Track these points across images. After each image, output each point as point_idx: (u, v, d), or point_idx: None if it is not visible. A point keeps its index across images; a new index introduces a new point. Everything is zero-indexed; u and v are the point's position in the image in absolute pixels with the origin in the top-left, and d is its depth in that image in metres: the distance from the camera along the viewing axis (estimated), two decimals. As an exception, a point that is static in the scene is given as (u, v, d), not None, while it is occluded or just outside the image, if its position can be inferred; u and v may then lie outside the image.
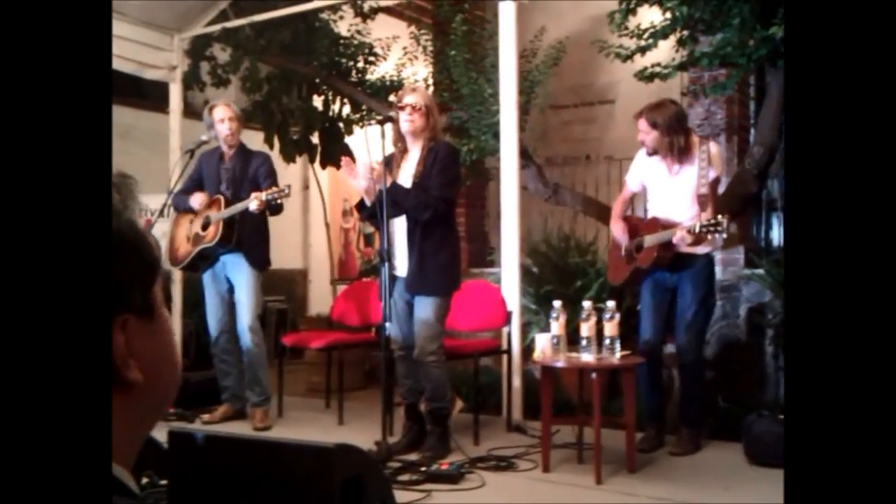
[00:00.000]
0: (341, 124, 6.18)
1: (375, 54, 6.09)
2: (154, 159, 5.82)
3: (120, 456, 0.62)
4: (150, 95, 6.53)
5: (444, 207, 3.61)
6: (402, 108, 3.66)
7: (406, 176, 3.67)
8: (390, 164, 3.69)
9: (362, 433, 3.86)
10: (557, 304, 3.44)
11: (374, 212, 3.57)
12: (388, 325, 3.57)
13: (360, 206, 3.73)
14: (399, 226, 3.64)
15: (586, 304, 3.36)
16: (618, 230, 3.88)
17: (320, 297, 7.40)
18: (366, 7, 6.06)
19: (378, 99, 5.87)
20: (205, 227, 4.27)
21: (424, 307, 3.59)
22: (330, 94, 6.16)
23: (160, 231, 4.83)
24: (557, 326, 3.38)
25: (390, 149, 3.71)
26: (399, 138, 3.73)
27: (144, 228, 0.68)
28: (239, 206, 4.13)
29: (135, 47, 5.63)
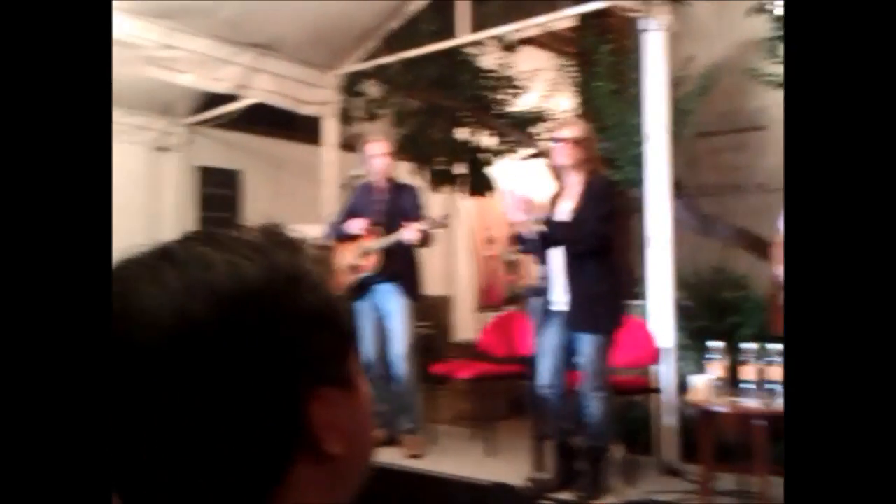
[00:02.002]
0: (485, 155, 6.30)
1: (518, 86, 6.17)
2: (305, 190, 6.12)
3: None
4: (302, 128, 6.88)
5: (597, 243, 3.61)
6: (559, 141, 3.69)
7: (564, 210, 3.69)
8: (553, 198, 3.74)
9: (510, 465, 3.90)
10: (718, 344, 3.35)
11: (531, 245, 3.62)
12: (539, 359, 3.60)
13: (520, 238, 3.78)
14: (556, 260, 3.67)
15: (749, 346, 3.25)
16: None
17: (465, 324, 7.51)
18: (508, 39, 6.16)
19: (521, 130, 5.94)
20: (363, 256, 4.45)
21: (587, 344, 3.60)
22: (474, 126, 6.29)
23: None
24: (720, 368, 3.29)
25: (543, 183, 3.76)
26: (558, 172, 3.77)
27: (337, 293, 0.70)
28: (396, 236, 4.29)
29: (291, 84, 5.96)
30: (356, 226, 4.47)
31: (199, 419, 0.57)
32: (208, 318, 0.57)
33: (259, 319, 0.58)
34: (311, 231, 4.93)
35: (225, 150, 6.82)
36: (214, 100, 6.15)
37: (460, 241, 7.67)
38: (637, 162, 4.89)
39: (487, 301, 7.60)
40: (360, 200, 4.63)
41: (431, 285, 7.09)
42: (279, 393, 0.59)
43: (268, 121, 6.68)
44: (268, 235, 0.64)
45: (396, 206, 4.49)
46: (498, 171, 6.21)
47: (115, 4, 4.51)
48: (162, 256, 0.61)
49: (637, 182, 4.95)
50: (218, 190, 6.93)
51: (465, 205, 7.20)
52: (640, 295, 4.64)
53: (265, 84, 5.78)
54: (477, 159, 6.31)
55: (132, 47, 4.74)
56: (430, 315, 7.48)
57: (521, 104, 6.17)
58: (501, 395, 5.44)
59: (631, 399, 4.26)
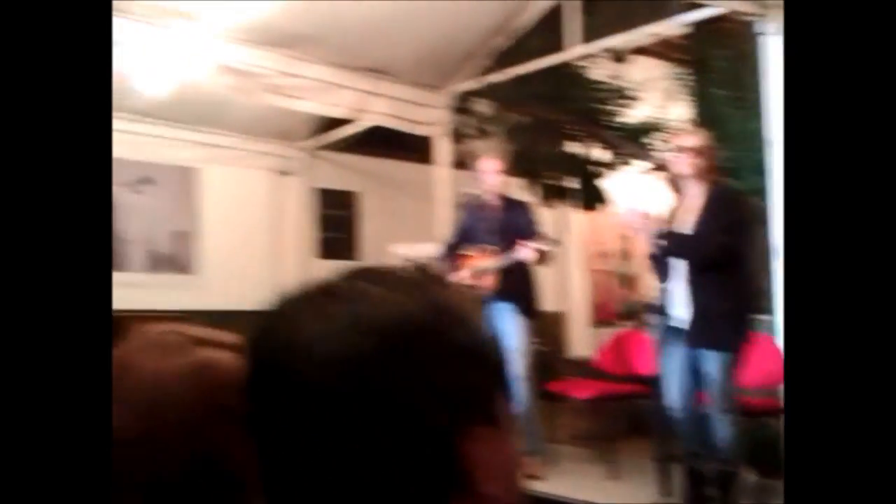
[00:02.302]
0: (596, 168, 6.21)
1: (630, 97, 6.05)
2: (420, 209, 6.20)
3: None
4: (415, 148, 6.98)
5: (721, 255, 3.48)
6: (679, 151, 3.60)
7: (685, 222, 3.59)
8: (673, 210, 3.66)
9: (634, 488, 3.81)
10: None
11: (656, 260, 3.55)
12: (666, 379, 3.50)
13: (654, 257, 3.69)
14: (677, 274, 3.56)
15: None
16: None
17: (579, 340, 7.41)
18: (619, 50, 6.04)
19: (634, 142, 5.82)
20: (479, 276, 4.46)
21: (712, 362, 3.47)
22: (585, 139, 6.21)
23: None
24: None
25: (661, 195, 3.67)
26: (676, 183, 3.68)
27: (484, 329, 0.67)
28: (512, 255, 4.28)
29: (405, 106, 6.05)
30: (467, 256, 4.49)
31: (358, 457, 0.57)
32: (374, 354, 0.57)
33: (422, 356, 0.59)
34: (426, 250, 4.99)
35: (342, 172, 7.01)
36: (332, 123, 6.33)
37: (573, 255, 7.58)
38: (759, 170, 4.70)
39: (601, 316, 7.47)
40: (472, 219, 4.65)
41: (545, 301, 7.05)
42: (437, 431, 0.58)
43: (382, 142, 6.81)
44: (420, 271, 0.65)
45: (510, 223, 4.49)
46: (612, 184, 6.11)
47: (235, 36, 4.74)
48: (325, 293, 0.61)
49: (759, 191, 4.76)
50: (336, 211, 7.14)
51: (576, 219, 7.12)
52: (767, 309, 4.44)
53: (380, 107, 5.89)
54: (588, 173, 6.22)
55: (253, 76, 4.95)
56: (544, 331, 7.41)
57: (633, 115, 6.05)
58: (621, 414, 5.31)
59: (762, 420, 4.07)
